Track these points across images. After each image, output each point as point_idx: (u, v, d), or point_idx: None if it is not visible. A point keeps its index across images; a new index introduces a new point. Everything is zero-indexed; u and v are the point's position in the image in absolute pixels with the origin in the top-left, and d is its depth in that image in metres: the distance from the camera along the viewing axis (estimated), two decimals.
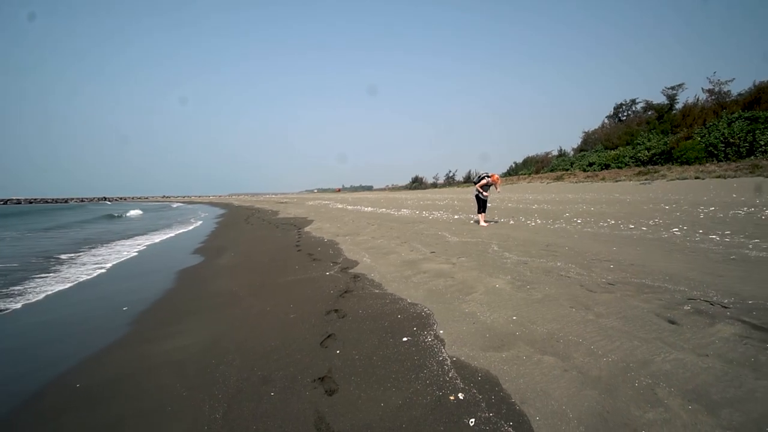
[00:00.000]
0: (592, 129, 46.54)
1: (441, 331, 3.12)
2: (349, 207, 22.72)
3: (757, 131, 25.41)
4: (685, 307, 2.90)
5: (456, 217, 12.17)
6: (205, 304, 4.65)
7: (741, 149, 25.62)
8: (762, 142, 24.52)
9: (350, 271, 5.74)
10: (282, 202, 39.21)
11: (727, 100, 33.62)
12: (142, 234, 13.80)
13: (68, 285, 5.96)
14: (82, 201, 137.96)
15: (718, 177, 20.03)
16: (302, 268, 6.19)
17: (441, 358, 2.67)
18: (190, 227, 16.36)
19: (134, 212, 31.29)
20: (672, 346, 2.36)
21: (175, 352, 3.28)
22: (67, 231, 15.99)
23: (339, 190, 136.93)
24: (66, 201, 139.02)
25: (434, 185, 66.00)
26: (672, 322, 2.68)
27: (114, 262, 7.85)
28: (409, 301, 4.02)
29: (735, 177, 19.24)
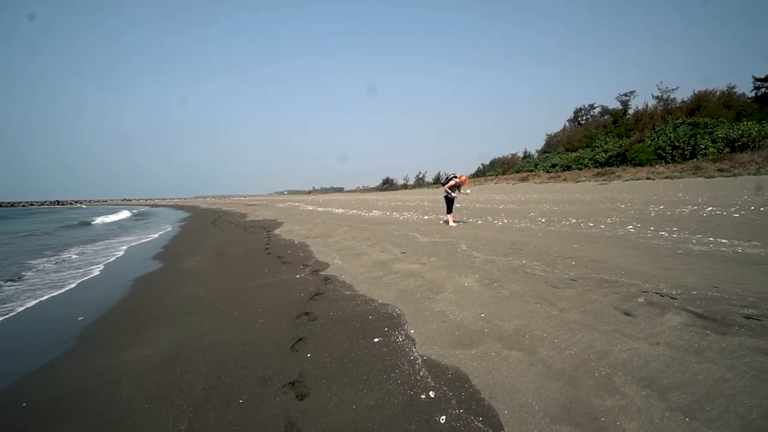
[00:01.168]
0: (555, 132, 48.75)
1: (412, 331, 3.15)
2: (320, 209, 22.46)
3: (698, 136, 27.57)
4: (639, 300, 3.09)
5: (426, 217, 12.33)
6: (170, 311, 4.44)
7: (685, 152, 27.70)
8: (702, 146, 26.61)
9: (321, 273, 5.67)
10: (251, 205, 38.15)
11: (673, 107, 36.28)
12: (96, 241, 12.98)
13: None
14: (32, 205, 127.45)
15: (666, 178, 21.53)
16: (272, 271, 6.06)
17: (412, 358, 2.70)
18: (154, 232, 15.56)
19: (100, 219, 29.31)
20: (628, 336, 2.51)
21: (136, 363, 3.10)
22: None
23: (309, 192, 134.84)
24: (12, 205, 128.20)
25: (405, 186, 66.58)
26: (628, 314, 2.85)
27: (71, 270, 7.33)
28: (380, 301, 4.03)
29: (680, 178, 20.76)
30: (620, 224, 7.76)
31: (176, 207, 48.62)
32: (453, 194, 9.68)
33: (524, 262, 4.89)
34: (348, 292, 4.54)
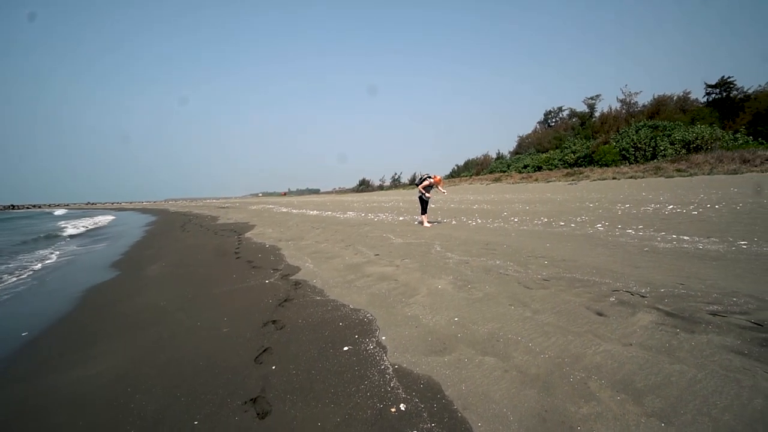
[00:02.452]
0: (526, 134, 50.13)
1: (383, 338, 3.01)
2: (294, 211, 22.01)
3: (658, 138, 29.05)
4: (611, 299, 3.09)
5: (401, 218, 12.26)
6: (125, 323, 4.10)
7: (646, 153, 29.11)
8: (662, 148, 28.06)
9: (291, 277, 5.45)
10: (223, 207, 36.98)
11: (635, 110, 38.09)
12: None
13: None
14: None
15: (630, 177, 22.49)
16: (240, 276, 5.77)
17: (383, 367, 2.56)
18: (115, 236, 14.68)
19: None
20: (601, 337, 2.48)
21: (79, 384, 2.80)
22: None
23: (285, 194, 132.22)
24: None
25: (381, 187, 66.62)
26: (600, 314, 2.83)
27: (12, 279, 6.72)
28: (351, 307, 3.87)
29: (643, 177, 21.74)
30: (589, 223, 7.95)
31: (144, 210, 46.41)
32: (427, 195, 9.61)
33: (498, 262, 4.86)
34: (318, 298, 4.36)
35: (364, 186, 72.21)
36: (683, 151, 26.88)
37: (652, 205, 9.89)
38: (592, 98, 43.36)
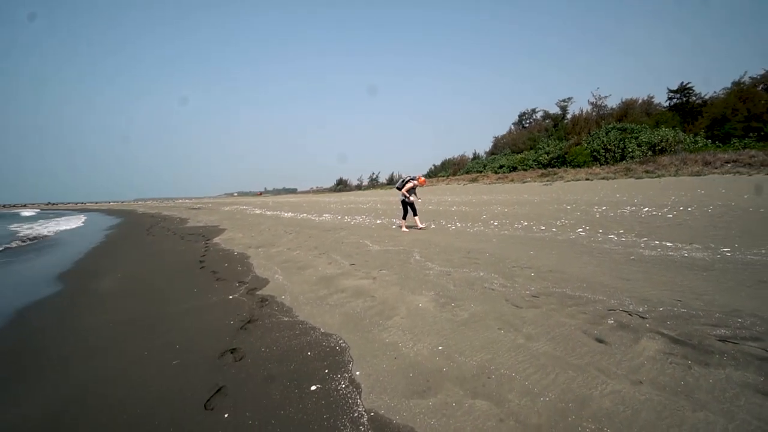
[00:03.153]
0: (501, 134, 50.88)
1: (357, 372, 2.60)
2: (268, 212, 21.22)
3: (626, 140, 30.02)
4: (609, 321, 2.80)
5: (378, 221, 11.87)
6: (55, 355, 3.49)
7: (616, 155, 30.00)
8: (630, 149, 29.00)
9: (258, 292, 4.96)
10: (194, 208, 35.45)
11: (605, 112, 39.35)
12: None
13: None
14: None
15: (603, 178, 23.04)
16: (202, 291, 5.23)
17: (356, 415, 2.15)
18: (67, 241, 13.50)
19: None
20: (606, 373, 2.16)
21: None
22: None
23: (260, 194, 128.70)
24: None
25: (359, 187, 65.99)
26: (600, 341, 2.53)
27: None
28: (322, 330, 3.44)
29: (614, 178, 22.31)
30: (570, 227, 7.82)
31: (109, 212, 43.71)
32: (411, 198, 9.10)
33: (482, 274, 4.54)
34: (286, 318, 3.89)
35: (341, 186, 71.36)
36: (649, 153, 27.87)
37: (629, 208, 9.95)
38: (564, 101, 44.50)
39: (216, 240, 10.44)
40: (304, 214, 17.35)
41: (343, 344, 3.09)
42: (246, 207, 31.07)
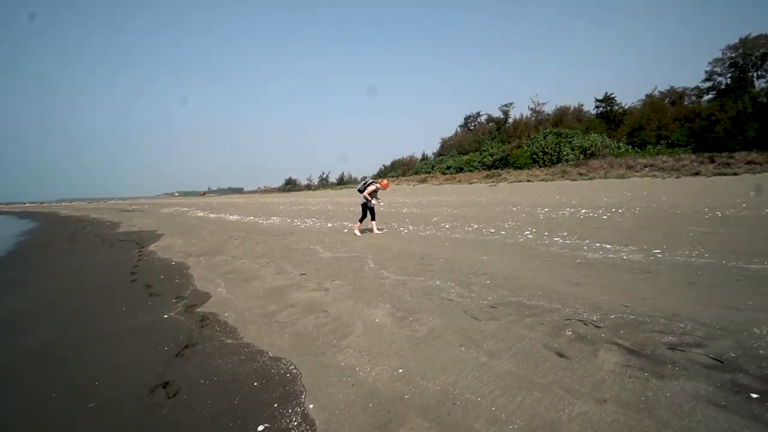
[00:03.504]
0: (448, 136, 52.51)
1: (311, 406, 2.33)
2: (212, 215, 19.84)
3: (562, 144, 32.40)
4: (567, 332, 2.81)
5: (330, 225, 11.51)
6: None
7: (553, 157, 32.23)
8: (565, 153, 31.33)
9: (198, 309, 4.47)
10: (129, 210, 32.21)
11: (543, 118, 42.19)
12: None
13: None
14: None
15: (542, 180, 24.58)
16: (132, 309, 4.62)
17: None
18: None
19: None
20: (571, 392, 2.11)
21: None
22: None
23: (204, 194, 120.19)
24: None
25: (308, 187, 64.43)
26: (561, 355, 2.50)
27: None
28: (271, 354, 3.11)
29: (553, 180, 23.91)
30: (518, 229, 8.10)
31: (24, 214, 37.95)
32: (372, 202, 8.67)
33: (438, 282, 4.46)
34: (230, 341, 3.50)
35: (290, 186, 69.16)
36: (581, 156, 30.31)
37: (568, 209, 10.60)
38: (506, 105, 47.06)
39: (152, 247, 9.45)
40: (251, 217, 16.44)
41: (295, 370, 2.80)
42: (187, 209, 28.89)
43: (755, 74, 35.67)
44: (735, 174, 17.03)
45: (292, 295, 4.55)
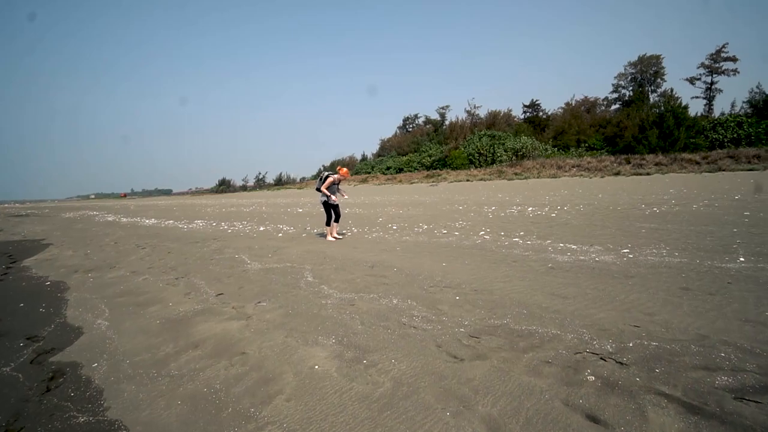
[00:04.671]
0: (387, 137, 52.44)
1: None
2: (125, 219, 16.95)
3: (495, 145, 33.77)
4: (587, 376, 2.00)
5: (261, 229, 10.05)
6: None
7: (488, 158, 33.45)
8: (499, 154, 32.68)
9: (54, 358, 3.05)
10: (19, 215, 26.81)
11: (477, 120, 43.87)
12: None
13: None
14: None
15: (481, 180, 25.12)
16: None
17: None
18: None
19: None
20: None
21: None
22: None
23: (124, 196, 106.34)
24: None
25: (244, 188, 60.09)
26: (596, 421, 1.68)
27: None
28: None
29: (491, 180, 24.54)
30: (471, 229, 7.49)
31: None
32: (333, 198, 7.16)
33: (395, 301, 3.50)
34: (83, 419, 2.21)
35: (224, 186, 63.84)
36: (514, 157, 31.81)
37: (515, 207, 10.38)
38: (443, 108, 48.21)
39: (28, 262, 7.29)
40: (171, 221, 14.18)
41: None
42: (97, 213, 24.82)
43: (649, 89, 40.78)
44: (648, 174, 18.72)
45: (200, 328, 3.29)
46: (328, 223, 7.35)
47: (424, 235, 7.31)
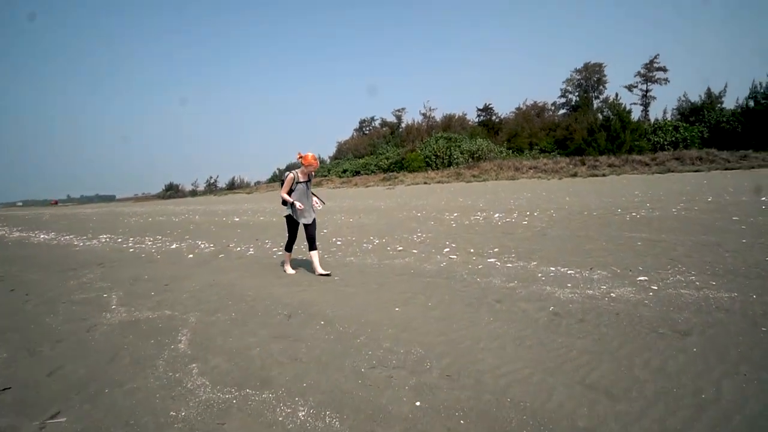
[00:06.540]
0: (344, 139, 50.68)
1: None
2: (16, 234, 13.76)
3: (452, 147, 33.27)
4: None
5: (174, 246, 7.95)
6: None
7: (445, 161, 32.82)
8: (455, 156, 32.17)
9: None
10: None
11: (433, 123, 43.48)
12: None
13: None
14: None
15: (438, 182, 24.18)
16: None
17: None
18: None
19: None
20: None
21: None
22: None
23: (56, 203, 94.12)
24: None
25: (193, 193, 55.12)
26: None
27: None
28: None
29: (449, 182, 23.66)
30: (433, 245, 6.02)
31: None
32: (298, 206, 4.48)
33: (301, 416, 1.88)
34: None
35: (171, 192, 58.06)
36: (470, 159, 31.41)
37: (480, 214, 9.13)
38: (398, 110, 47.43)
39: None
40: (71, 236, 11.39)
41: None
42: None
43: (593, 95, 42.75)
44: (604, 175, 18.66)
45: None
46: (287, 248, 4.90)
47: (374, 253, 5.73)
